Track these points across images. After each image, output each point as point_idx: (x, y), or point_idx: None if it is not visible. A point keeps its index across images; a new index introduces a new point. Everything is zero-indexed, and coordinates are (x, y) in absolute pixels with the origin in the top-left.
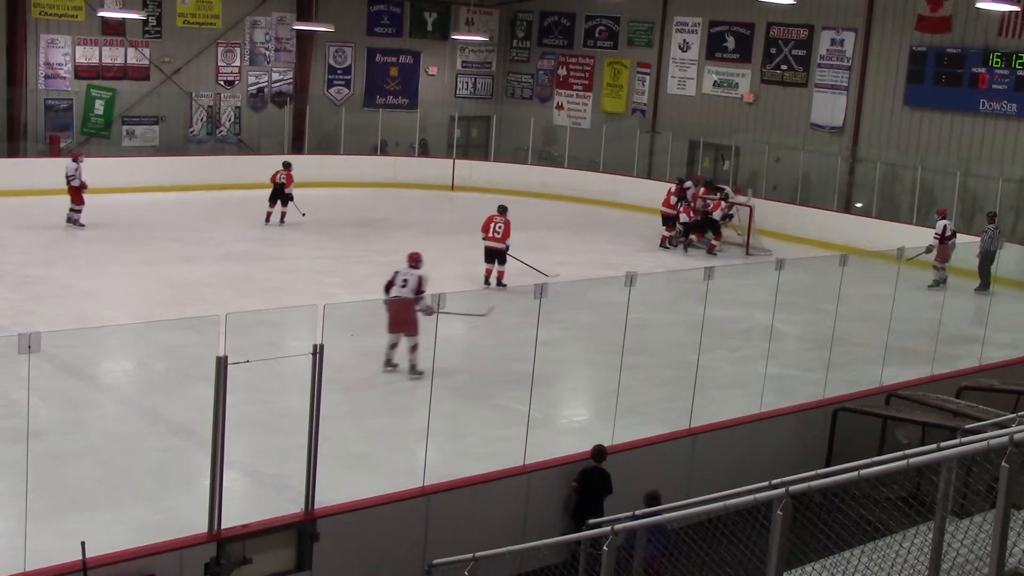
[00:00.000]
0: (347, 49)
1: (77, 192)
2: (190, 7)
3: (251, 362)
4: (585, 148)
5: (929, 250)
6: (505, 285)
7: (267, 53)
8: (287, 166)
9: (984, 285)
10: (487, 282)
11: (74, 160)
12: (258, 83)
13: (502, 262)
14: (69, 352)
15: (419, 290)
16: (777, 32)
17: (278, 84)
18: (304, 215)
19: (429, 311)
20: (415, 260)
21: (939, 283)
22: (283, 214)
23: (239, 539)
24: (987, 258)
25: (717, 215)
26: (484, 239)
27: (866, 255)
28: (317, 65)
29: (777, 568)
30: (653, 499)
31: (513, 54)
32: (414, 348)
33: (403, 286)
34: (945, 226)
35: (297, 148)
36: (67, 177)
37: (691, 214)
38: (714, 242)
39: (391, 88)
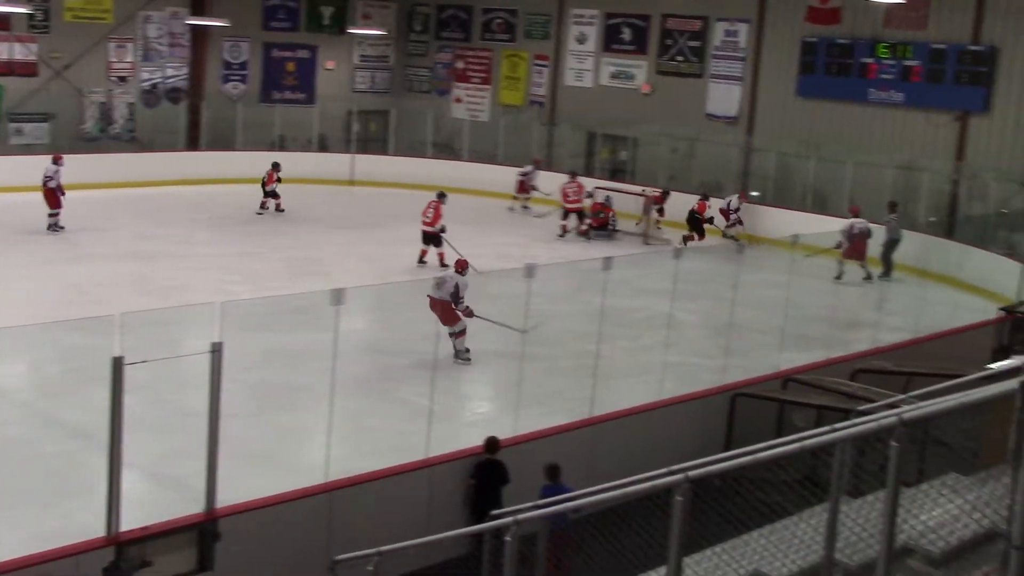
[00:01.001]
0: (243, 44)
1: (53, 194)
2: (79, 1)
3: (148, 362)
4: (484, 141)
5: (839, 246)
6: (447, 266)
7: (161, 48)
8: (274, 166)
9: (886, 272)
10: (420, 261)
11: (54, 162)
12: (152, 79)
13: (436, 244)
14: None
15: (456, 294)
16: (672, 24)
17: (172, 80)
18: (267, 211)
19: (469, 313)
20: (461, 267)
21: (840, 276)
22: (276, 204)
23: (138, 542)
24: (890, 246)
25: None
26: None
27: (762, 242)
28: (212, 60)
29: (677, 553)
30: (553, 470)
31: (411, 48)
32: (457, 334)
33: (439, 286)
34: (851, 224)
35: (193, 145)
36: (45, 179)
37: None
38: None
39: (288, 83)
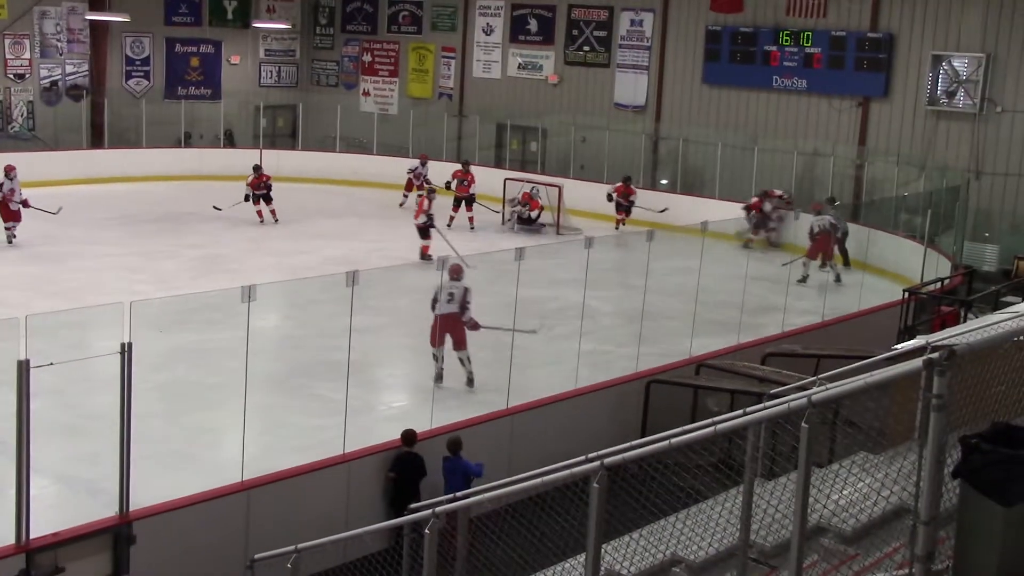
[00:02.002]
0: (144, 39)
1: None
2: None
3: (55, 364)
4: (393, 134)
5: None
6: (430, 259)
7: (59, 45)
8: (255, 170)
9: (845, 263)
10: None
11: (7, 175)
12: (51, 76)
13: (423, 237)
14: None
15: (464, 303)
16: (578, 14)
17: (73, 77)
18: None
19: (474, 326)
20: (457, 273)
21: (804, 279)
22: (272, 211)
23: (50, 548)
24: (843, 239)
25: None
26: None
27: (672, 230)
28: (114, 56)
29: (596, 540)
30: (455, 444)
31: (317, 41)
32: (468, 359)
33: (449, 300)
34: (811, 224)
35: (96, 143)
36: (10, 193)
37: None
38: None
39: (193, 79)
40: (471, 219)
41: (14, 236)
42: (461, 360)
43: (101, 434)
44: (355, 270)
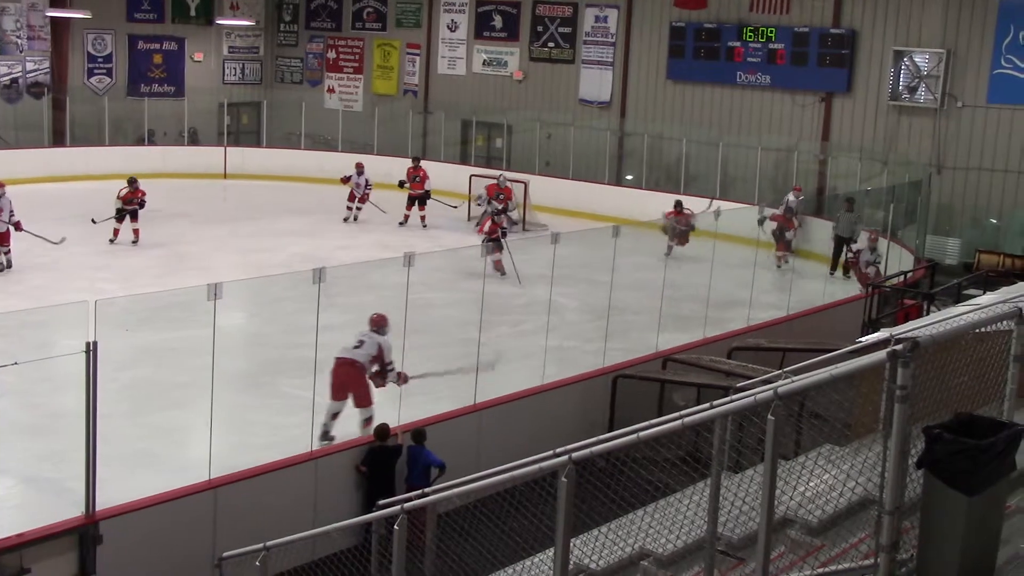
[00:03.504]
0: (107, 36)
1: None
2: None
3: (19, 364)
4: (358, 131)
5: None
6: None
7: (19, 41)
8: (131, 183)
9: (833, 267)
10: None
11: None
12: (11, 73)
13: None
14: None
15: (377, 359)
16: (543, 10)
17: (33, 74)
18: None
19: (401, 380)
20: (376, 324)
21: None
22: (135, 231)
23: (14, 549)
24: (839, 243)
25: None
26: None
27: (637, 226)
28: (75, 53)
29: (565, 534)
30: (419, 434)
31: (281, 38)
32: (367, 423)
33: (356, 347)
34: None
35: (58, 141)
36: (10, 213)
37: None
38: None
39: (156, 76)
40: (422, 218)
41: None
42: (363, 422)
43: (66, 434)
44: (321, 267)
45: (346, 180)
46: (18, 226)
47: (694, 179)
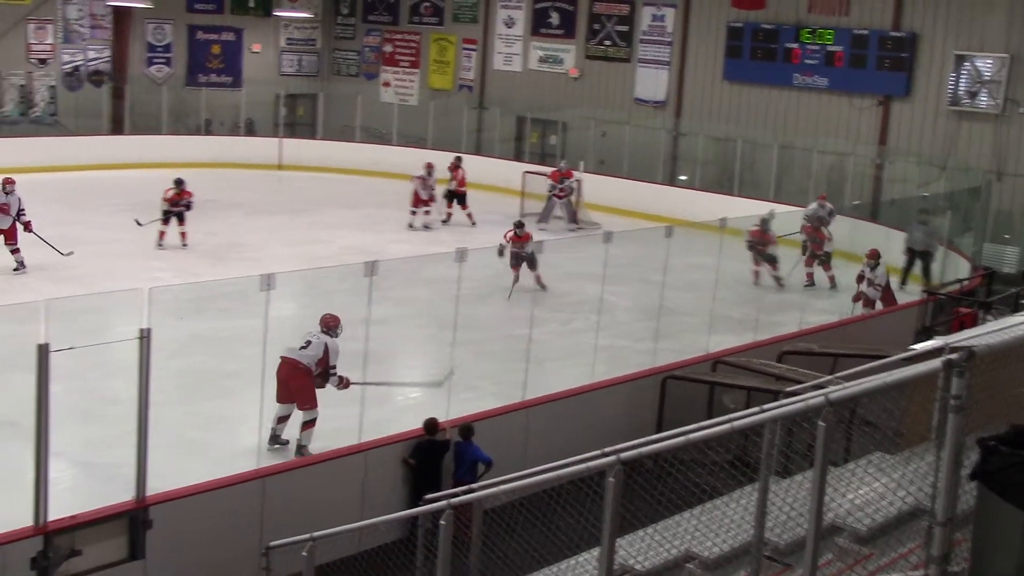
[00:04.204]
0: (166, 26)
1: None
2: None
3: (75, 349)
4: (413, 125)
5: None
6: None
7: (82, 30)
8: (178, 184)
9: (903, 280)
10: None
11: (3, 188)
12: (73, 61)
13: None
14: None
15: (322, 361)
16: (600, 8)
17: (95, 62)
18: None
19: (343, 385)
20: (327, 325)
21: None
22: (183, 233)
23: (67, 531)
24: (912, 256)
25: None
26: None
27: (691, 226)
28: (135, 43)
29: (611, 534)
30: (467, 430)
31: (338, 31)
32: (308, 424)
33: (303, 347)
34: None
35: (117, 129)
36: (19, 211)
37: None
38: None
39: (214, 66)
40: (469, 215)
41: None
42: (304, 424)
43: (119, 419)
44: (373, 260)
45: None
46: (28, 227)
47: (749, 181)
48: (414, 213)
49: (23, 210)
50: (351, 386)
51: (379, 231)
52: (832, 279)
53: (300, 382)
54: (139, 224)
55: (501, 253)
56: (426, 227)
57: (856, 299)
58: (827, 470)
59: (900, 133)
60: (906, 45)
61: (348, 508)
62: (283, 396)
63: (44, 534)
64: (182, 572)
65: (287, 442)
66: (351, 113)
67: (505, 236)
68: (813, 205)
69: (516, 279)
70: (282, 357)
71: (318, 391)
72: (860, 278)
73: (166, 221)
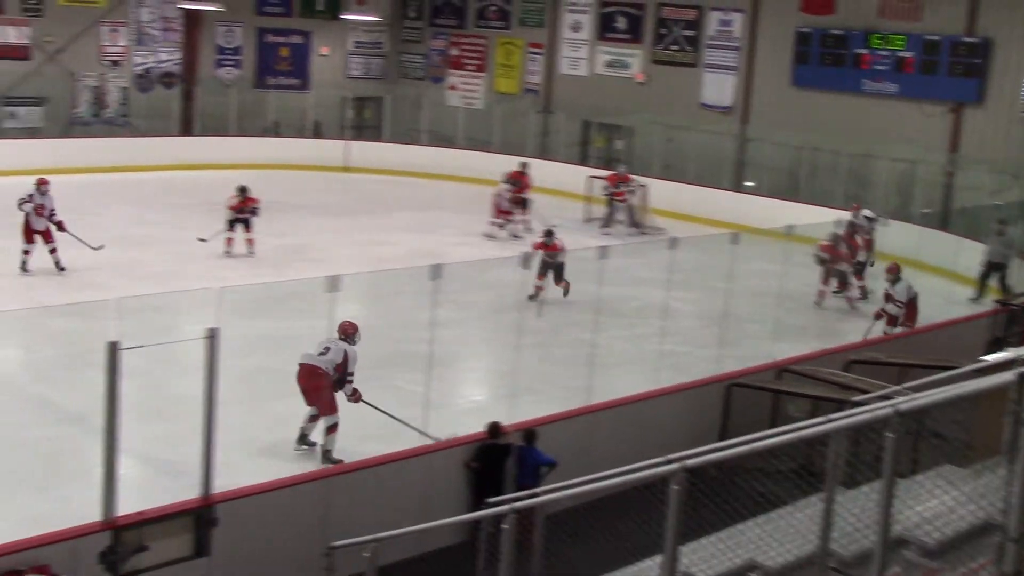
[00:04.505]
0: (236, 29)
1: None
2: None
3: (144, 347)
4: (479, 129)
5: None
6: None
7: (154, 33)
8: (241, 191)
9: (978, 293)
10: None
11: (39, 189)
12: (145, 63)
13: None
14: None
15: (341, 367)
16: (667, 13)
17: (166, 64)
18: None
19: (354, 397)
20: (345, 332)
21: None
22: (250, 240)
23: (135, 527)
24: (989, 269)
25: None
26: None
27: (757, 233)
28: (206, 45)
29: (673, 542)
30: (530, 435)
31: (405, 34)
32: (331, 429)
33: (321, 353)
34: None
35: (186, 130)
36: (51, 211)
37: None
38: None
39: (282, 69)
40: (527, 222)
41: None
42: (326, 430)
43: (186, 417)
44: (438, 263)
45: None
46: (61, 226)
47: (815, 187)
48: (494, 223)
49: (54, 210)
50: (359, 402)
51: (444, 234)
52: (863, 289)
53: (318, 387)
54: (203, 241)
55: (526, 265)
56: (515, 236)
57: (877, 316)
58: (895, 482)
59: (972, 140)
60: (979, 51)
61: (410, 510)
62: (309, 400)
63: (112, 529)
64: (246, 570)
65: (314, 444)
66: (417, 116)
67: (533, 245)
68: (851, 215)
69: (541, 289)
70: (300, 364)
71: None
72: (888, 296)
73: (232, 229)
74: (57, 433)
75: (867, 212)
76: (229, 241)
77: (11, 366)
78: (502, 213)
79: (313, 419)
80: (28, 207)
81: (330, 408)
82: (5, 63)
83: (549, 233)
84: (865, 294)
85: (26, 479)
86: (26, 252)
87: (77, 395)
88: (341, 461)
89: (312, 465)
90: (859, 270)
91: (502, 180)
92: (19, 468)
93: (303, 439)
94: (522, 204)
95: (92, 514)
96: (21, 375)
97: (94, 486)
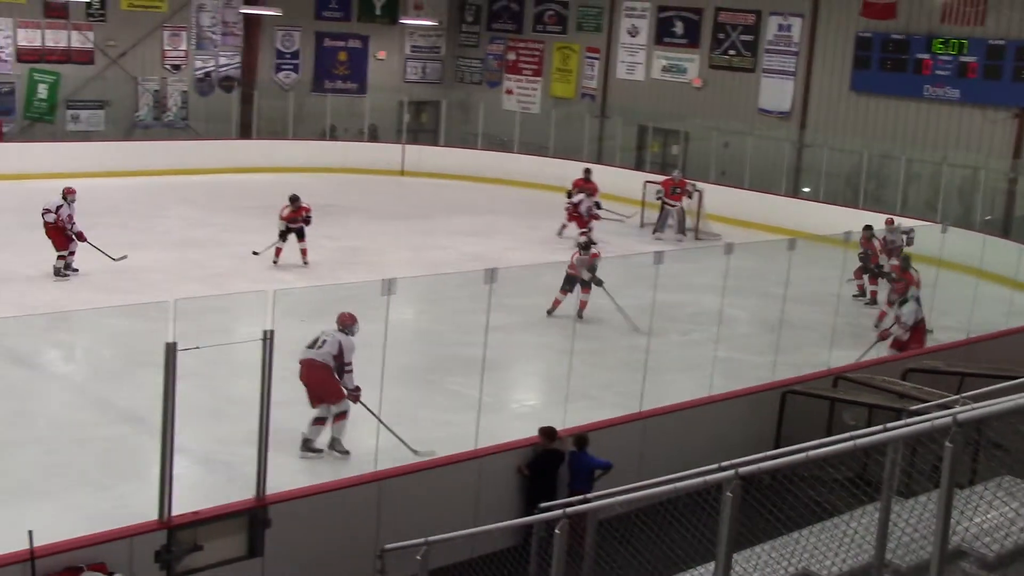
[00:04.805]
0: (295, 33)
1: (58, 233)
2: None
3: (201, 348)
4: (535, 133)
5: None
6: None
7: (214, 37)
8: (293, 201)
9: None
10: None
11: (65, 198)
12: (205, 67)
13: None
14: (13, 339)
15: (338, 357)
16: (725, 17)
17: (225, 68)
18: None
19: (354, 394)
20: (343, 322)
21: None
22: (303, 251)
23: (190, 526)
24: None
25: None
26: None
27: (813, 239)
28: (265, 49)
29: (727, 550)
30: (582, 440)
31: (462, 39)
32: (339, 416)
33: (318, 347)
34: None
35: (245, 133)
36: (43, 212)
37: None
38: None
39: (340, 73)
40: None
41: (68, 267)
42: (334, 417)
43: (241, 418)
44: (493, 268)
45: (569, 195)
46: (80, 236)
47: (874, 194)
48: (565, 226)
49: (73, 220)
50: (357, 402)
51: (499, 238)
52: (874, 294)
53: (321, 379)
54: (255, 254)
55: (594, 279)
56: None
57: (882, 337)
58: (953, 492)
59: None
60: None
61: (462, 514)
62: (312, 398)
63: (168, 528)
64: (298, 571)
65: (321, 452)
66: (473, 120)
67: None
68: (885, 230)
69: (558, 304)
70: (300, 360)
71: None
72: (896, 319)
73: (283, 239)
74: (115, 432)
75: (903, 226)
76: (278, 251)
77: (72, 366)
78: (590, 219)
79: (318, 422)
80: (51, 217)
81: (337, 396)
82: (70, 67)
83: (585, 245)
84: (874, 299)
85: (85, 477)
86: (71, 253)
87: (134, 395)
88: (348, 453)
89: (365, 467)
90: (876, 274)
91: (572, 191)
92: (78, 466)
93: (306, 444)
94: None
95: (148, 513)
96: (81, 375)
97: (151, 485)
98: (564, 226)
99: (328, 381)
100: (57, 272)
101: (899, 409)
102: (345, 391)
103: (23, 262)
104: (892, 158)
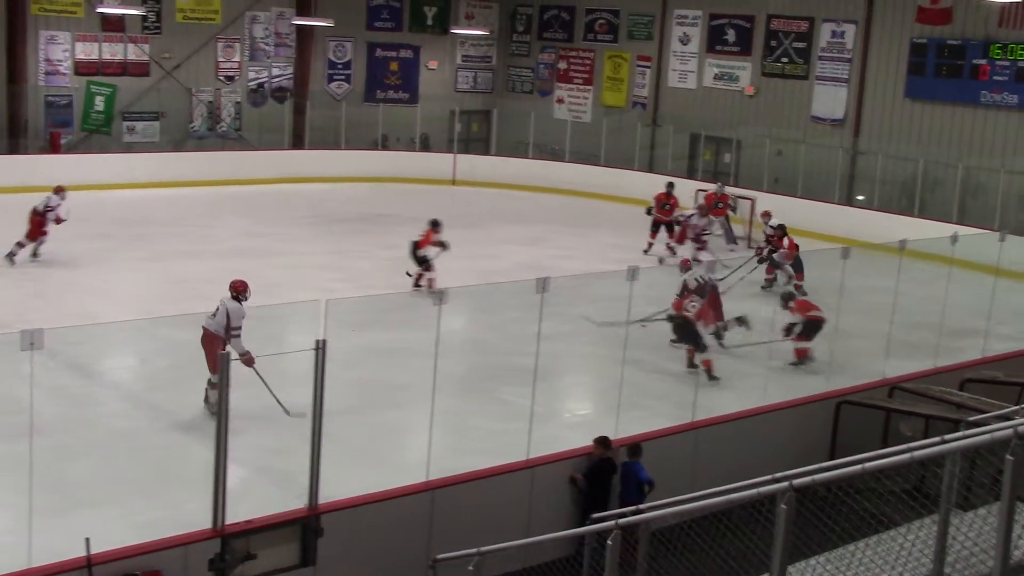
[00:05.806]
0: (347, 44)
1: (39, 225)
2: (189, 3)
3: (255, 358)
4: (586, 142)
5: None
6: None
7: (267, 48)
8: (434, 225)
9: None
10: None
11: (57, 192)
12: (258, 78)
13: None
14: (72, 349)
15: (228, 326)
16: (778, 25)
17: (278, 79)
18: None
19: (246, 358)
20: (235, 289)
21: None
22: (430, 281)
23: (243, 535)
24: None
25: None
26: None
27: (868, 248)
28: (317, 60)
29: (782, 561)
30: (635, 449)
31: (513, 48)
32: (215, 386)
33: (213, 316)
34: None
35: (297, 143)
36: (45, 209)
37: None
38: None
39: (391, 83)
40: (670, 247)
41: (35, 254)
42: (209, 384)
43: (293, 427)
44: (545, 277)
45: (649, 211)
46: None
47: (929, 202)
48: (651, 243)
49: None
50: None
51: (550, 247)
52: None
53: (212, 349)
54: (409, 275)
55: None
56: (660, 260)
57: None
58: (1015, 506)
59: None
60: None
61: (514, 523)
62: (210, 365)
63: (222, 536)
64: None
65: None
66: (524, 129)
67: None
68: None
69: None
70: (203, 327)
71: None
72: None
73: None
74: (170, 441)
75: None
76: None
77: (127, 374)
78: (699, 236)
79: (214, 387)
80: (52, 214)
81: (214, 368)
82: (126, 79)
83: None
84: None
85: (140, 485)
86: (40, 244)
87: (189, 404)
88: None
89: (417, 477)
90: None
91: (654, 206)
92: (134, 475)
93: (209, 408)
94: (670, 227)
95: (202, 522)
96: (136, 384)
97: (205, 494)
98: (650, 244)
99: (215, 349)
100: (10, 256)
101: (957, 420)
102: (239, 355)
103: (83, 272)
104: (949, 165)
